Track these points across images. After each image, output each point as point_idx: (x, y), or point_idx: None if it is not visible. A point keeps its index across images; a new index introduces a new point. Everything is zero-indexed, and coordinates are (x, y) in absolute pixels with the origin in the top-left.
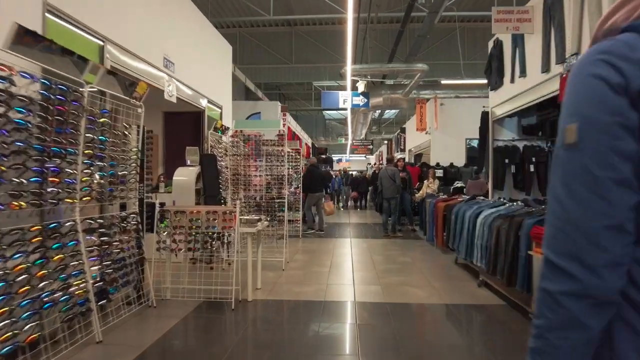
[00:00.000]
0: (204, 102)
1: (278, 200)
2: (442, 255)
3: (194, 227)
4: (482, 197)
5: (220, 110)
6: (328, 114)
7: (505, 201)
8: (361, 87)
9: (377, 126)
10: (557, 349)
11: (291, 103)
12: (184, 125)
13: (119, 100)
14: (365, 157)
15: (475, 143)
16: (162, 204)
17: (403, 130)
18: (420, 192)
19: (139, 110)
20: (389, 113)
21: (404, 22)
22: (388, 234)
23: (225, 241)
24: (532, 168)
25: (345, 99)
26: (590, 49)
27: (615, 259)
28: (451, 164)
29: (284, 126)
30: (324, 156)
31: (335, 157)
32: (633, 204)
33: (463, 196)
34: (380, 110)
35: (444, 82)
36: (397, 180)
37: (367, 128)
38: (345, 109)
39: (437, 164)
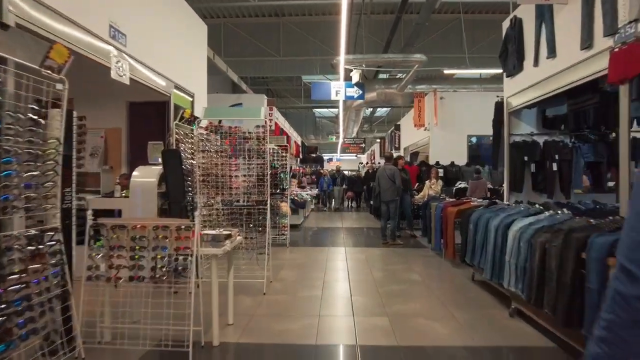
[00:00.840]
0: (169, 88)
1: (259, 207)
2: (453, 270)
3: (137, 247)
4: (506, 202)
5: (191, 99)
6: (318, 111)
7: (541, 208)
8: (355, 77)
9: (369, 124)
10: (627, 343)
11: (280, 100)
12: (152, 118)
13: (27, 71)
14: (356, 156)
15: (475, 140)
16: (95, 216)
17: (397, 128)
18: (422, 193)
19: (59, 86)
20: (381, 111)
21: (401, 8)
22: (387, 242)
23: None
24: (554, 166)
25: (338, 91)
26: None
27: None
28: (452, 162)
29: (270, 122)
30: (314, 155)
31: (325, 157)
32: None
33: (475, 199)
34: (372, 108)
35: (446, 71)
36: (397, 181)
37: (359, 126)
38: (336, 105)
39: (437, 163)
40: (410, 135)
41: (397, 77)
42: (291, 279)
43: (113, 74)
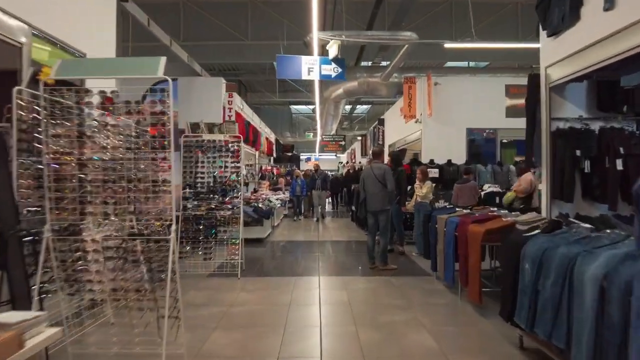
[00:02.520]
0: (21, 34)
1: (159, 240)
2: (483, 323)
3: None
4: (580, 222)
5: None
6: (295, 108)
7: None
8: (333, 50)
9: (348, 122)
10: None
11: (254, 95)
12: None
13: None
14: (335, 155)
15: (476, 135)
16: None
17: (381, 122)
18: (413, 199)
19: None
20: (361, 109)
21: None
22: (376, 266)
23: None
24: (619, 164)
25: (311, 68)
26: None
27: None
28: (449, 161)
29: (230, 110)
30: (289, 154)
31: (303, 156)
32: None
33: (506, 214)
34: (351, 105)
35: (448, 45)
36: (390, 184)
37: (338, 123)
38: (313, 102)
39: (432, 161)
40: (396, 130)
41: (380, 65)
42: (222, 355)
43: None
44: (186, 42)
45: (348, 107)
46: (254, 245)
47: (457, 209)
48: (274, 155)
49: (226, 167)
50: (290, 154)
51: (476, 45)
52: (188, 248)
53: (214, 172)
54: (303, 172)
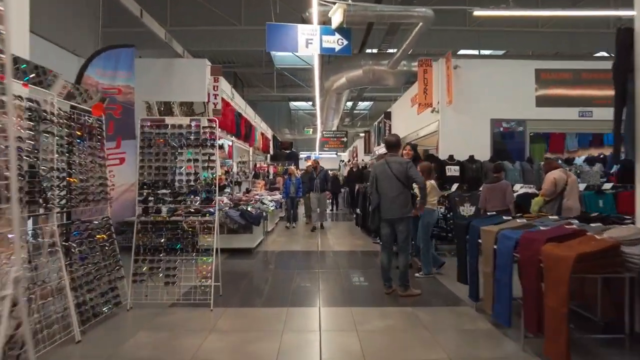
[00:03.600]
0: None
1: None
2: None
3: None
4: None
5: None
6: (294, 105)
7: None
8: (337, 17)
9: (350, 118)
10: None
11: (250, 90)
12: None
13: None
14: (336, 153)
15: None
16: None
17: (388, 116)
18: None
19: None
20: (363, 105)
21: None
22: (393, 290)
23: None
24: None
25: (310, 39)
26: None
27: None
28: (471, 157)
29: (215, 97)
30: (287, 151)
31: (303, 155)
32: None
33: (582, 225)
34: (352, 102)
35: (478, 13)
36: (419, 179)
37: (340, 119)
38: (314, 97)
39: (451, 157)
40: (406, 123)
41: (387, 52)
42: None
43: None
44: (174, 28)
45: (349, 103)
46: (241, 257)
47: (507, 218)
48: (271, 152)
49: (196, 160)
50: (288, 151)
51: (516, 13)
52: (145, 268)
53: (180, 168)
54: (304, 170)
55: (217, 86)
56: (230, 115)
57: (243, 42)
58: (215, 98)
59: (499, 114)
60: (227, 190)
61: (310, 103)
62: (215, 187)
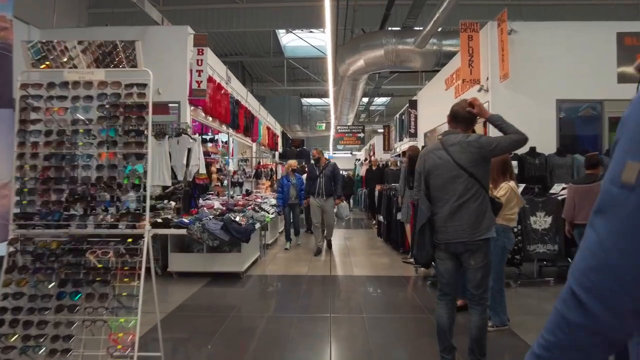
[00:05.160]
0: None
1: None
2: None
3: None
4: None
5: None
6: (306, 101)
7: None
8: None
9: (366, 114)
10: None
11: (260, 85)
12: None
13: None
14: (351, 153)
15: (575, 110)
16: None
17: (413, 105)
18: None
19: None
20: (379, 101)
21: None
22: None
23: None
24: None
25: None
26: None
27: None
28: (532, 149)
29: (199, 74)
30: (298, 149)
31: None
32: None
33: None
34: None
35: None
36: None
37: (355, 115)
38: (327, 93)
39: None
40: (437, 112)
41: (413, 29)
42: None
43: None
44: (167, 7)
45: (365, 99)
46: (224, 284)
47: None
48: (279, 149)
49: (118, 145)
50: (298, 149)
51: None
52: (15, 337)
53: (89, 158)
54: (295, 170)
55: (202, 60)
56: (224, 101)
57: (244, 22)
58: (199, 75)
59: (567, 93)
60: (211, 191)
61: (323, 99)
62: (146, 190)
